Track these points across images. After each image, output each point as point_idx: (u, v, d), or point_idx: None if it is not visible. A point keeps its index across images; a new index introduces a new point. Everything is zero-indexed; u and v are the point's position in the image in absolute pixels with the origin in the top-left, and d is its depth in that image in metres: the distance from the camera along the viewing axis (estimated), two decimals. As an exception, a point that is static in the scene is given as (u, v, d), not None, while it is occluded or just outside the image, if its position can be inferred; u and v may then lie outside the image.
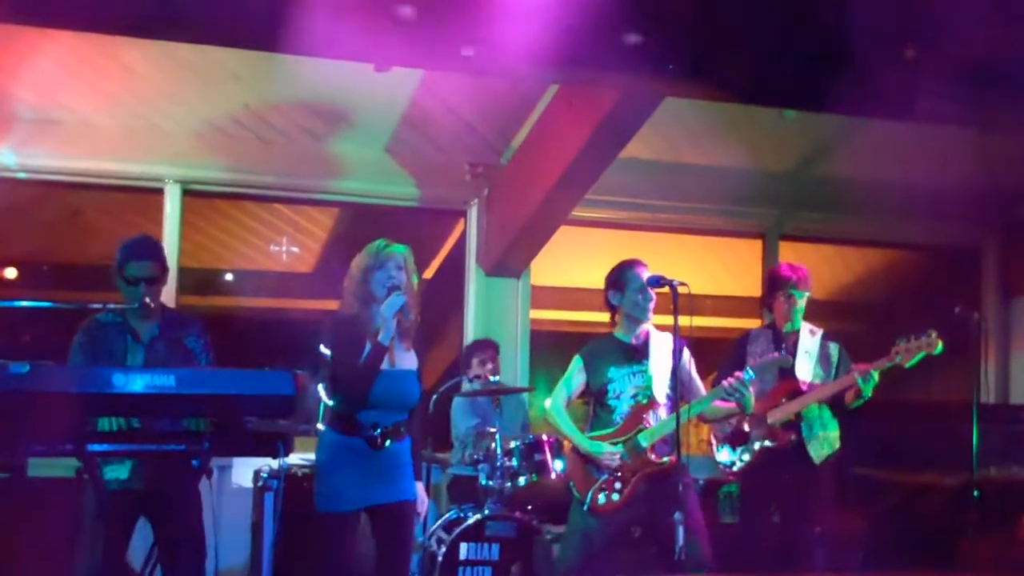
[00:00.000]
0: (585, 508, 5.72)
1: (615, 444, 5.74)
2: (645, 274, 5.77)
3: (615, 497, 5.70)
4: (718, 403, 5.81)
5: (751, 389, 5.75)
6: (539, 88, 7.53)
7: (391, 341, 5.06)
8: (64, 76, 7.11)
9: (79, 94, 7.30)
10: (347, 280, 5.25)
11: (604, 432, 5.80)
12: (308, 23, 4.81)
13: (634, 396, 5.79)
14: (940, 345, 6.09)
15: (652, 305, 5.80)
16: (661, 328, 5.90)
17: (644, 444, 5.71)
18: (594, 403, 5.92)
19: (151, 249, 5.37)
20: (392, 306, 5.04)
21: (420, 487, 5.40)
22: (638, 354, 5.84)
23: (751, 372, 5.78)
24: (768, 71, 5.77)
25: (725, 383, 5.69)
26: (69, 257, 9.34)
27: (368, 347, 5.02)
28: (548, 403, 5.97)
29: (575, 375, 5.92)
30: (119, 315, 5.25)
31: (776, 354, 6.07)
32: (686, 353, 5.86)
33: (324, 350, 5.10)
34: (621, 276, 5.85)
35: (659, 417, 5.78)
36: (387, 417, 5.13)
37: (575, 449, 5.86)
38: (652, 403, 5.77)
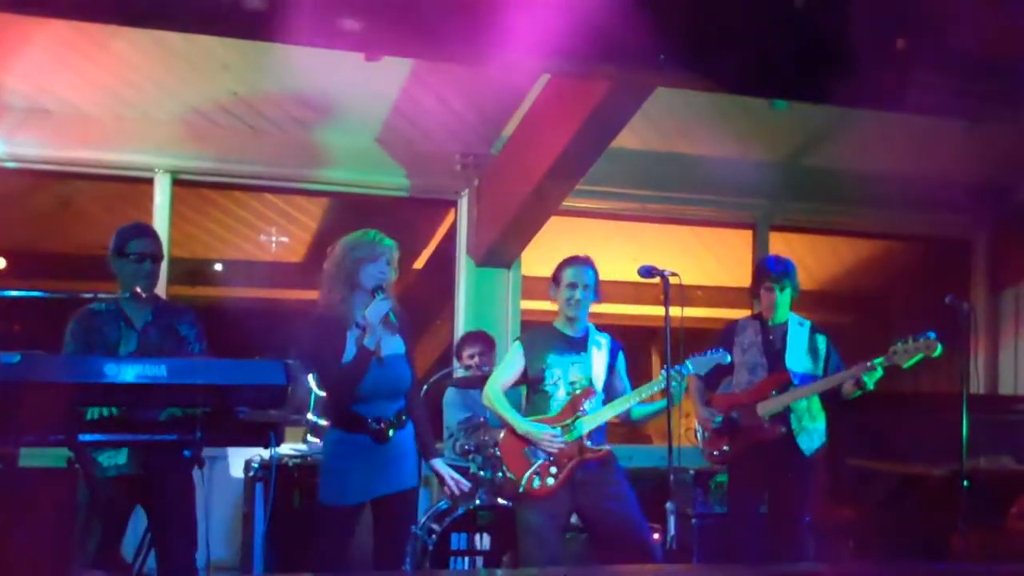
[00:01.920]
0: (520, 490, 5.73)
1: (554, 428, 5.76)
2: (577, 274, 5.79)
3: (550, 481, 5.71)
4: (644, 401, 5.83)
5: (686, 382, 5.80)
6: (530, 78, 7.52)
7: (377, 343, 5.06)
8: (54, 65, 7.09)
9: (69, 83, 7.28)
10: (331, 265, 5.24)
11: (540, 417, 5.81)
12: (298, 10, 4.80)
13: (572, 383, 5.81)
14: (939, 348, 6.10)
15: (578, 305, 5.79)
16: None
17: (582, 431, 5.75)
18: (529, 389, 5.94)
19: (147, 229, 5.44)
20: (378, 312, 5.05)
21: (440, 464, 5.50)
22: (577, 345, 5.87)
23: (690, 366, 5.78)
24: (759, 62, 5.76)
25: (660, 378, 5.70)
26: (59, 246, 9.33)
27: (353, 350, 5.03)
28: (486, 386, 5.97)
29: (515, 360, 5.92)
30: (112, 304, 5.25)
31: (710, 355, 6.00)
32: (621, 355, 5.96)
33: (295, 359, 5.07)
34: (556, 272, 5.89)
35: (596, 407, 5.82)
36: (385, 408, 5.15)
37: (512, 432, 5.84)
38: (589, 392, 5.80)
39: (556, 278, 5.88)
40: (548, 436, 5.71)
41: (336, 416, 5.19)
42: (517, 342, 5.99)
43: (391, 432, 5.13)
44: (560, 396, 5.80)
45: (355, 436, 5.11)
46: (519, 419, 5.82)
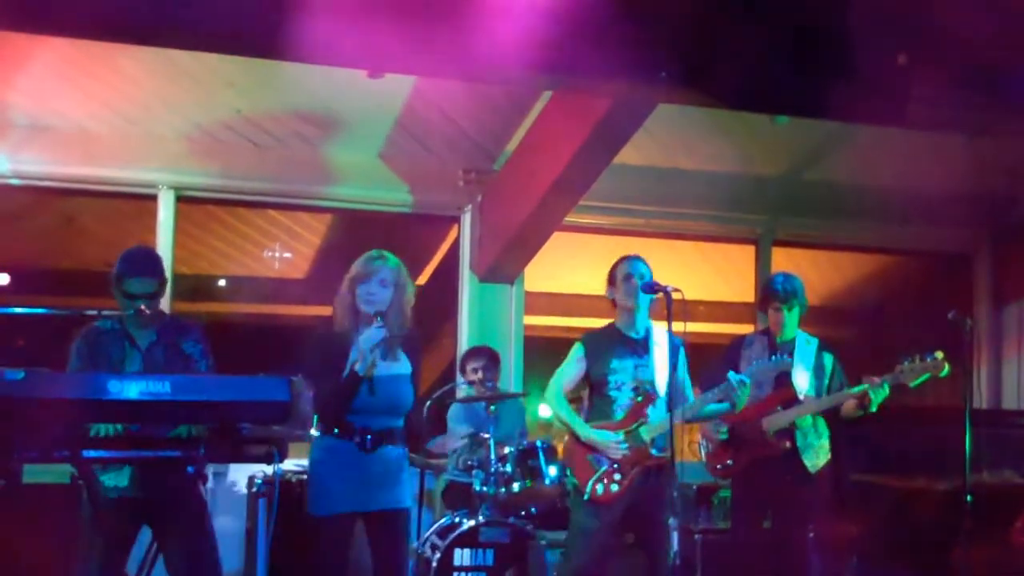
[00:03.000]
0: (585, 497, 5.76)
1: (616, 435, 5.78)
2: (631, 266, 5.87)
3: (614, 488, 5.75)
4: (713, 406, 5.90)
5: (748, 389, 5.87)
6: (533, 94, 7.54)
7: (369, 369, 5.05)
8: (58, 82, 7.11)
9: (73, 100, 7.30)
10: (341, 287, 5.25)
11: (603, 423, 5.85)
12: (304, 29, 4.82)
13: (635, 389, 5.84)
14: (947, 368, 6.11)
15: (636, 294, 5.83)
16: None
17: (645, 437, 5.77)
18: (592, 393, 5.97)
19: (151, 265, 5.29)
20: (370, 340, 5.02)
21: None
22: (640, 347, 5.90)
23: (749, 375, 5.86)
24: (761, 78, 5.78)
25: (728, 384, 5.75)
26: (63, 263, 9.32)
27: (347, 370, 5.03)
28: (547, 390, 6.03)
29: (576, 362, 5.96)
30: (117, 322, 5.24)
31: (775, 360, 6.07)
32: (682, 352, 5.95)
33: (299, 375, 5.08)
34: (613, 269, 5.96)
35: (658, 412, 5.83)
36: (377, 422, 5.12)
37: (575, 438, 5.89)
38: (652, 397, 5.83)
39: (612, 277, 5.94)
40: (613, 444, 5.76)
41: (324, 423, 5.17)
42: (579, 343, 6.01)
43: (378, 445, 5.10)
44: (623, 401, 5.85)
45: (340, 443, 5.08)
46: (582, 426, 5.87)
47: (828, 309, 10.47)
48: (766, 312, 6.64)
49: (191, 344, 5.34)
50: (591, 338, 6.02)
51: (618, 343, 5.91)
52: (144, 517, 5.13)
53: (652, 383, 5.85)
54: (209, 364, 5.36)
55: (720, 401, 5.87)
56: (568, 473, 5.96)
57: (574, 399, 6.26)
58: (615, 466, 5.77)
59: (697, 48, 5.59)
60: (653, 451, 5.77)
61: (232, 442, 4.19)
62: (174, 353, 5.27)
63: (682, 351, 5.95)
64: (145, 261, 5.30)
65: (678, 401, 5.78)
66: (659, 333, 5.94)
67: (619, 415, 5.84)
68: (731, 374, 5.81)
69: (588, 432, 5.84)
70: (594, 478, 5.77)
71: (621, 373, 5.86)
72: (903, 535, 7.35)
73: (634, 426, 5.79)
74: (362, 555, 5.27)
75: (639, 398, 5.82)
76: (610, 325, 6.02)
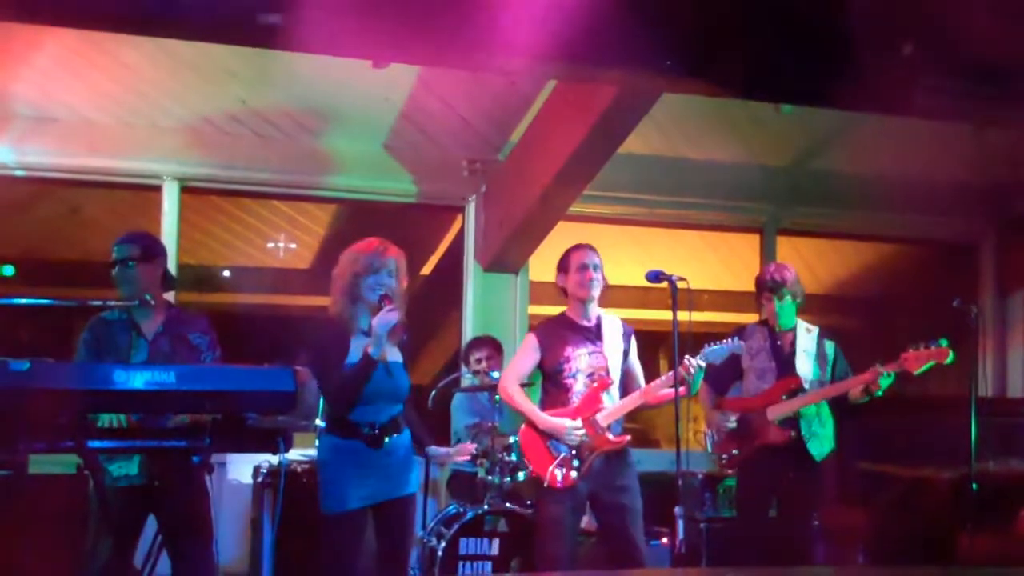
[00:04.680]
0: (545, 484, 5.80)
1: (574, 421, 5.82)
2: (588, 255, 5.92)
3: (573, 474, 5.80)
4: (665, 392, 5.86)
5: (701, 373, 5.86)
6: (537, 84, 7.53)
7: (383, 353, 5.06)
8: (62, 73, 7.12)
9: (77, 91, 7.31)
10: (336, 275, 5.23)
11: (560, 410, 5.89)
12: (306, 19, 4.81)
13: (590, 375, 5.87)
14: (951, 355, 6.12)
15: (591, 285, 5.88)
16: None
17: (602, 423, 5.81)
18: (546, 381, 6.02)
19: (133, 235, 5.39)
20: (385, 324, 5.02)
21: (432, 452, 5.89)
22: (592, 334, 5.94)
23: (705, 356, 5.84)
24: (766, 67, 5.76)
25: (681, 367, 5.72)
26: (68, 254, 9.34)
27: (357, 357, 5.03)
28: (501, 381, 6.11)
29: (530, 351, 6.00)
30: (124, 312, 5.26)
31: (729, 344, 6.04)
32: (633, 339, 6.06)
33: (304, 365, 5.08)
34: (563, 260, 6.01)
35: (613, 397, 5.90)
36: (382, 413, 5.13)
37: (532, 426, 5.93)
38: (606, 382, 5.88)
39: (564, 265, 5.99)
40: (570, 429, 5.80)
41: (330, 422, 5.18)
42: (531, 334, 6.07)
43: (386, 438, 5.12)
44: (578, 388, 5.88)
45: (349, 442, 5.09)
46: (539, 414, 5.92)
47: (833, 298, 10.48)
48: (761, 303, 6.64)
49: (198, 335, 5.36)
50: (544, 328, 6.07)
51: (571, 331, 5.95)
52: (151, 505, 5.14)
53: (606, 369, 5.89)
54: (216, 355, 5.38)
55: (671, 386, 5.82)
56: (524, 462, 6.02)
57: (528, 384, 6.27)
58: (573, 452, 5.82)
59: (702, 37, 5.57)
60: (610, 436, 5.81)
61: (238, 432, 4.20)
62: (180, 344, 5.29)
63: (633, 338, 6.06)
64: (128, 233, 5.39)
65: (631, 387, 5.93)
66: (609, 321, 6.01)
67: (575, 402, 5.88)
68: (687, 357, 5.78)
69: (546, 419, 5.88)
70: (552, 465, 5.80)
71: (575, 361, 5.89)
72: (909, 524, 7.35)
73: (591, 412, 5.83)
74: (367, 544, 5.27)
75: (595, 382, 5.86)
76: (562, 314, 6.06)
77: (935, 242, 10.23)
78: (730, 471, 6.84)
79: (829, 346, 6.54)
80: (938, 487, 7.34)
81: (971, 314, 6.46)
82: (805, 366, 6.44)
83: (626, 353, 6.00)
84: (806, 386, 6.39)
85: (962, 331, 6.44)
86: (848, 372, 6.44)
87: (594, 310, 5.99)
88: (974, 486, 6.23)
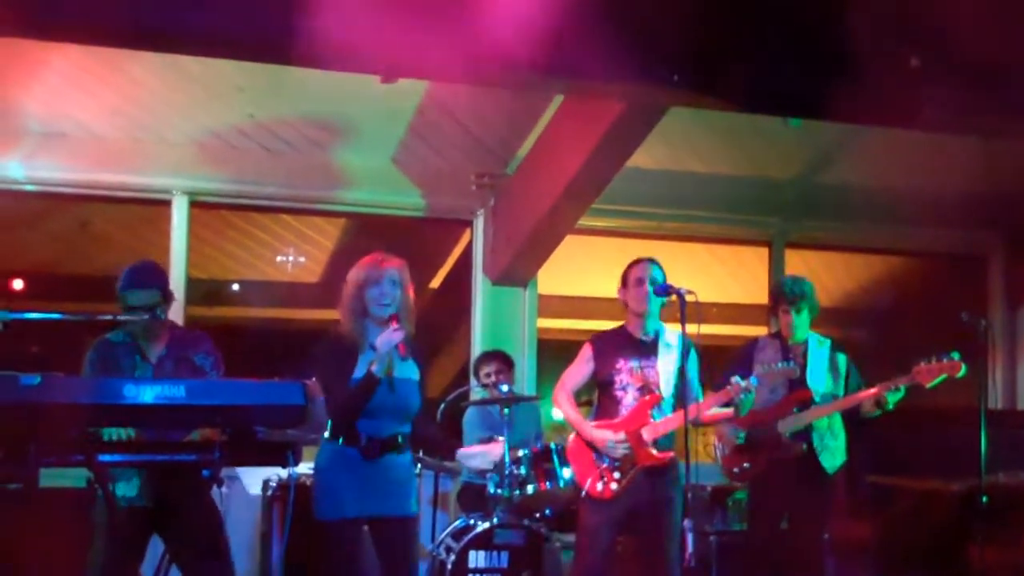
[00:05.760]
0: (583, 493, 5.84)
1: (618, 434, 5.83)
2: (645, 269, 5.90)
3: (613, 486, 5.82)
4: (717, 409, 5.94)
5: (753, 394, 5.92)
6: (545, 99, 7.55)
7: (387, 370, 5.06)
8: (71, 89, 7.15)
9: (86, 107, 7.34)
10: (344, 293, 5.25)
11: (608, 422, 5.92)
12: (316, 34, 4.83)
13: (640, 389, 5.87)
14: (964, 369, 6.11)
15: (647, 299, 5.86)
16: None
17: (647, 437, 5.80)
18: (599, 391, 6.06)
19: (150, 276, 5.26)
20: (388, 343, 5.03)
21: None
22: (647, 349, 5.94)
23: (755, 379, 5.86)
24: (772, 80, 5.79)
25: (731, 387, 5.75)
26: (77, 268, 9.36)
27: (363, 373, 5.04)
28: (556, 387, 6.11)
29: (584, 362, 6.04)
30: (128, 335, 5.25)
31: (782, 366, 6.08)
32: (693, 354, 5.98)
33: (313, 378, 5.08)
34: (626, 272, 6.01)
35: (663, 413, 5.89)
36: (384, 428, 5.13)
37: (579, 436, 5.97)
38: (656, 398, 5.88)
39: (624, 279, 5.99)
40: (612, 441, 5.81)
41: (332, 428, 5.18)
42: (587, 344, 6.09)
43: (383, 452, 5.11)
44: (628, 401, 5.89)
45: (344, 449, 5.08)
46: (585, 424, 5.97)
47: (841, 311, 10.46)
48: (777, 315, 6.64)
49: (202, 356, 5.35)
50: (600, 339, 6.09)
51: (626, 344, 5.97)
52: (154, 526, 5.14)
53: (657, 384, 5.88)
54: (220, 375, 5.36)
55: (725, 404, 5.89)
56: (568, 469, 6.08)
57: (587, 401, 6.29)
58: (616, 464, 5.82)
59: (708, 52, 5.59)
60: (654, 451, 5.80)
61: (247, 446, 4.21)
62: (184, 366, 5.28)
63: (693, 353, 5.99)
64: (143, 273, 5.26)
65: (687, 403, 5.79)
66: (670, 335, 5.98)
67: (623, 415, 5.89)
68: (737, 378, 5.82)
69: (590, 430, 5.92)
70: (593, 475, 5.85)
71: (626, 373, 5.91)
72: (918, 536, 7.33)
73: (637, 426, 5.83)
74: (371, 564, 5.27)
75: (645, 396, 5.86)
76: (620, 327, 6.08)
77: (944, 254, 10.21)
78: (740, 484, 6.84)
79: (841, 359, 6.53)
80: (948, 499, 7.32)
81: (980, 326, 6.44)
82: (816, 379, 6.43)
83: (681, 370, 5.92)
84: (818, 399, 6.38)
85: (971, 343, 6.42)
86: (861, 385, 6.43)
87: (654, 324, 5.98)
88: (984, 498, 6.22)
